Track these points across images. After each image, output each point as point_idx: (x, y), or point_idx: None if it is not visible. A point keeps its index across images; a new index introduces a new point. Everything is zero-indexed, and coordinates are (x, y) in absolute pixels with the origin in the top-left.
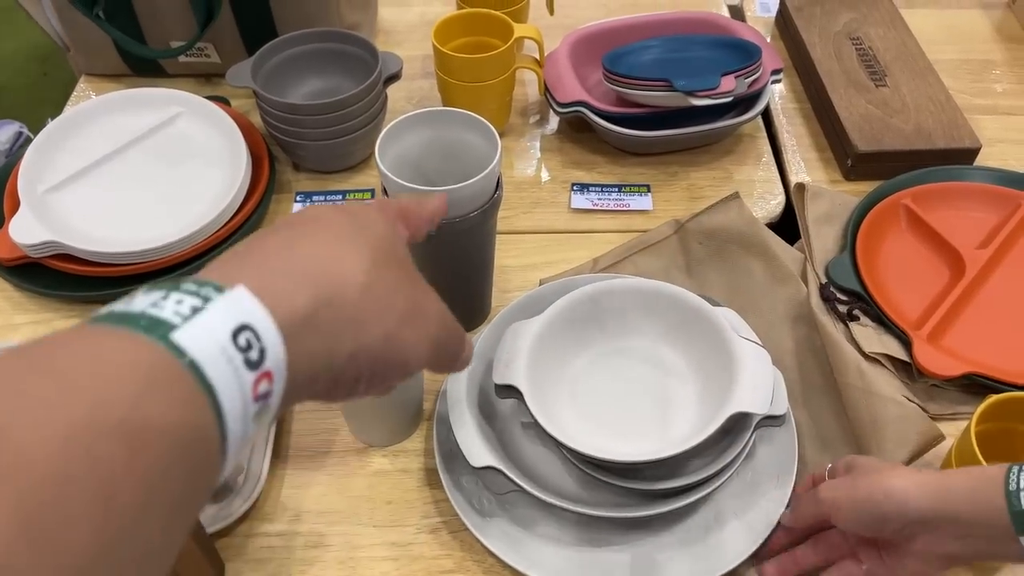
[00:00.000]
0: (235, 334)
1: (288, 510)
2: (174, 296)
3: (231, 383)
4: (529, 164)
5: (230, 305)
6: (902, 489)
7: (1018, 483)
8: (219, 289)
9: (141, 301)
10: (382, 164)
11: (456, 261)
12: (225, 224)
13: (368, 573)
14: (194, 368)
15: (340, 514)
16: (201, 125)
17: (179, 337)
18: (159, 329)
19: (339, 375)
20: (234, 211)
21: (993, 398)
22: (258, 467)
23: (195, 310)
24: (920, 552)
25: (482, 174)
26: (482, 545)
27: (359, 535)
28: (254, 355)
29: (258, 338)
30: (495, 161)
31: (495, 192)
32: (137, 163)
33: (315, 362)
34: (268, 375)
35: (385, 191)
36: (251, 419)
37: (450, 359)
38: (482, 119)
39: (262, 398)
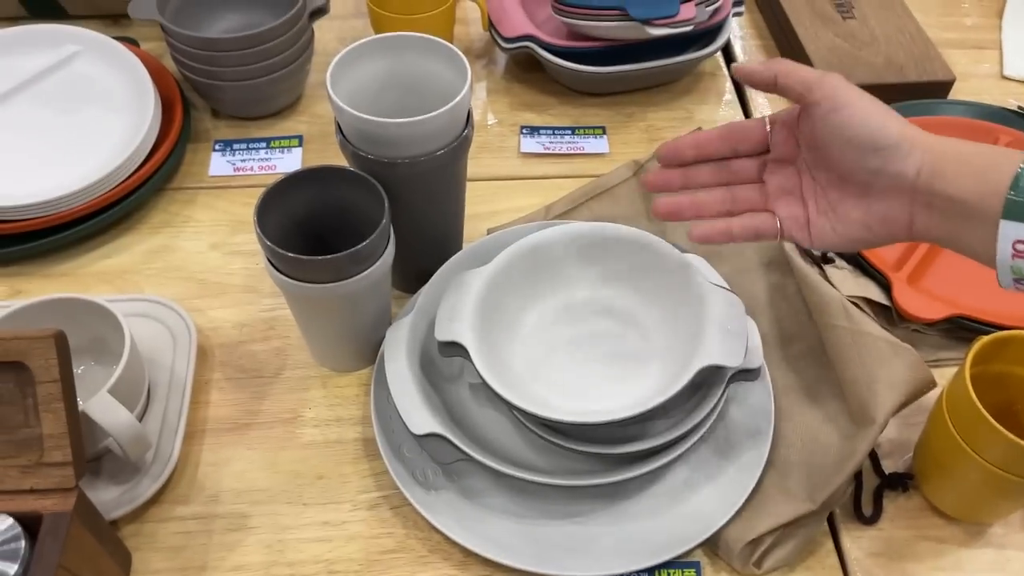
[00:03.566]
0: None
1: (205, 490)
2: None
3: None
4: (474, 107)
5: None
6: (908, 130)
7: None
8: None
9: None
10: (334, 94)
11: (426, 203)
12: (132, 175)
13: (298, 556)
14: None
15: (265, 492)
16: (102, 66)
17: None
18: None
19: None
20: (141, 160)
21: (987, 338)
22: (169, 443)
23: None
24: (874, 207)
25: (448, 106)
26: (427, 521)
27: (287, 515)
28: None
29: None
30: (463, 91)
31: (464, 129)
32: (28, 109)
33: None
34: None
35: (339, 126)
36: None
37: None
38: (448, 44)
39: None
